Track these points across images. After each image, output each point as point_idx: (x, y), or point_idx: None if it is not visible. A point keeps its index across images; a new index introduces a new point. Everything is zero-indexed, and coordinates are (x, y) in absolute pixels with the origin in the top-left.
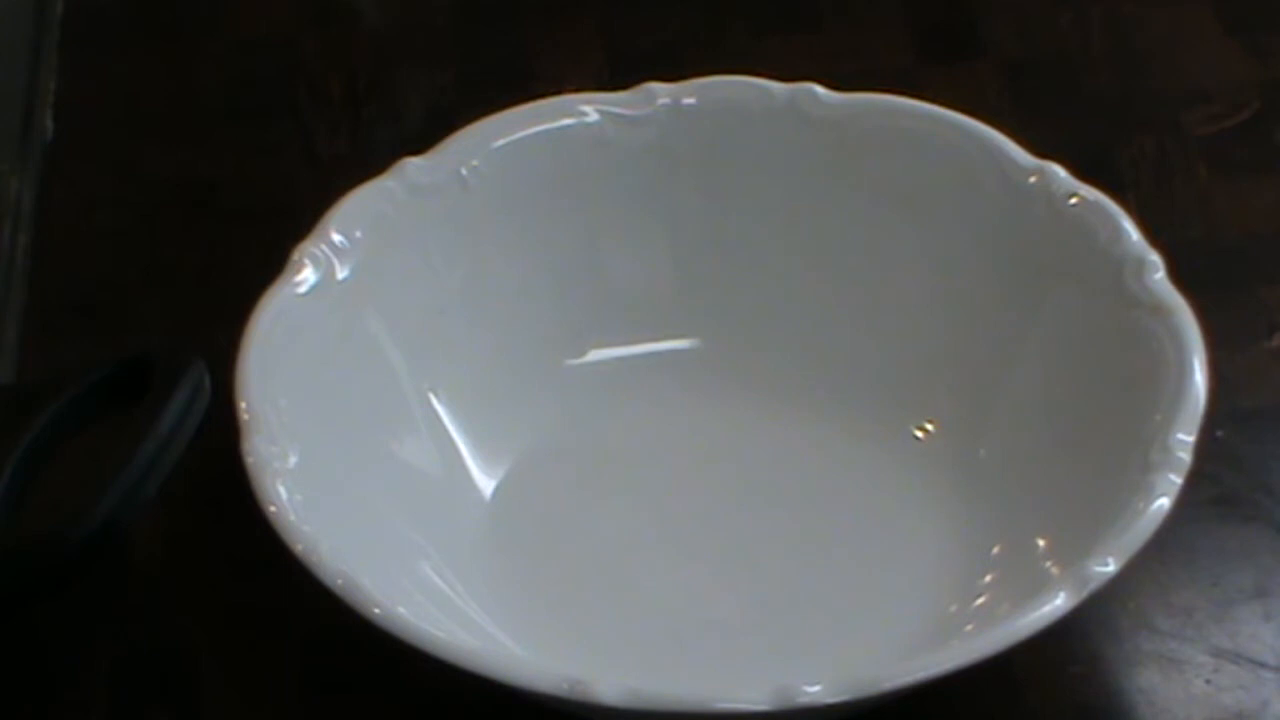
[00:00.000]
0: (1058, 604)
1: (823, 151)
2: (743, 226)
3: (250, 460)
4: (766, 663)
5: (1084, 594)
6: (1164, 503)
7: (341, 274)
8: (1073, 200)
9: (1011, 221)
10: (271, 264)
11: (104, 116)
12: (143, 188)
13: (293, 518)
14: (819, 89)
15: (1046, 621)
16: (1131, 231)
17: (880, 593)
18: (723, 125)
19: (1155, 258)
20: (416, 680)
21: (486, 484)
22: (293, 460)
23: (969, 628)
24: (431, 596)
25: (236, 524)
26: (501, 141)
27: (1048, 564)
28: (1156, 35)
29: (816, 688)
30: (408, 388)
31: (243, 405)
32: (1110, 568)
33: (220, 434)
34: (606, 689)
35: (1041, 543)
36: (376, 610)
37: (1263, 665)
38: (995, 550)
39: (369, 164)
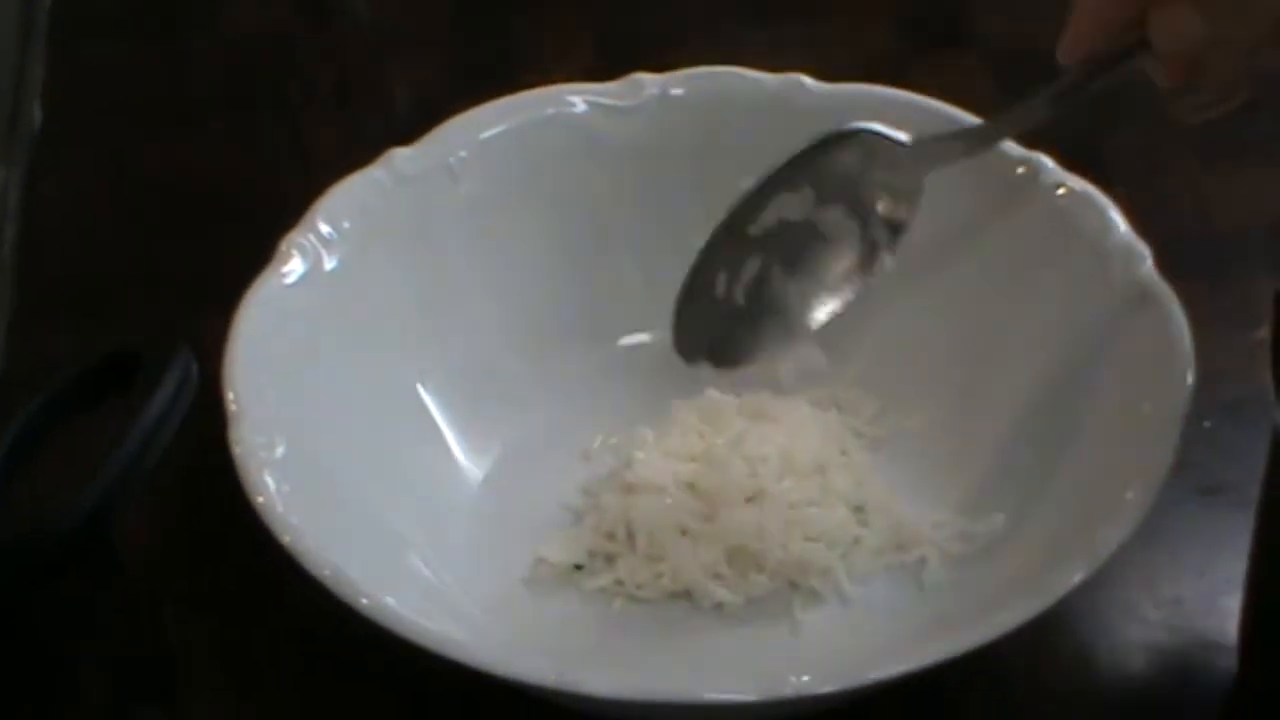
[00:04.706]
0: (1045, 595)
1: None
2: None
3: (238, 451)
4: (756, 652)
5: (1072, 584)
6: (1151, 492)
7: (329, 264)
8: (1060, 191)
9: (999, 213)
10: (259, 255)
11: (92, 107)
12: (131, 179)
13: (280, 508)
14: (807, 80)
15: (1034, 612)
16: (1119, 222)
17: (872, 584)
18: (711, 116)
19: (1143, 248)
20: (406, 671)
21: (474, 474)
22: (280, 451)
23: (957, 619)
24: (420, 587)
25: (225, 515)
26: (489, 132)
27: (1035, 555)
28: None
29: (805, 677)
30: (395, 378)
31: (230, 396)
32: (1098, 558)
33: (208, 424)
34: (595, 679)
35: (1030, 535)
36: (364, 600)
37: None
38: (982, 543)
39: (357, 154)
